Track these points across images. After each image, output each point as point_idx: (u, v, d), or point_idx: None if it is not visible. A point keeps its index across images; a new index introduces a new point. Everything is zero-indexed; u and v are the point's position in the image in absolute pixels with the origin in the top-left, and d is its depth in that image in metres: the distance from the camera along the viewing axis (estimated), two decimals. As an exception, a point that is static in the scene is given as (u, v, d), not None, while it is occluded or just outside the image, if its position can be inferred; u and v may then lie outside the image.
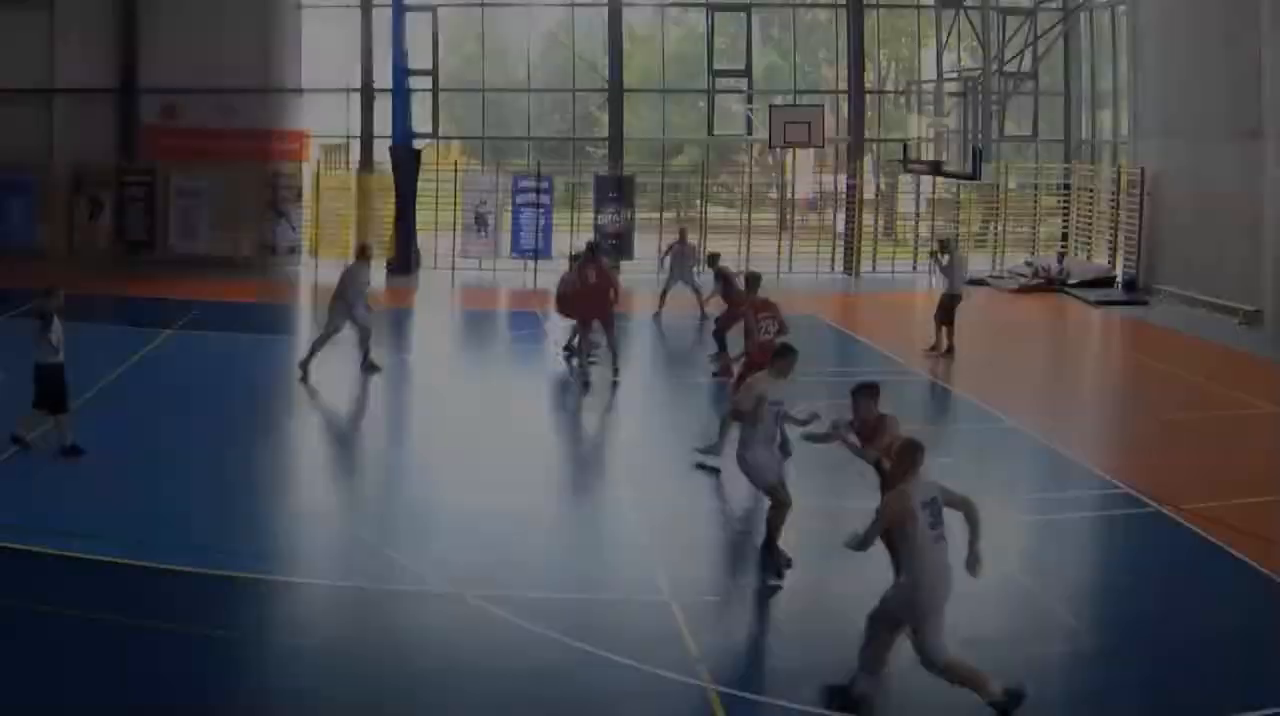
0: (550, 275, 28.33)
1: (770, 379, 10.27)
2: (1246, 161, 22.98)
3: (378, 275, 28.36)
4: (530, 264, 28.46)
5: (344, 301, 16.95)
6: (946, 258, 20.14)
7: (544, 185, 29.14)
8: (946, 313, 19.48)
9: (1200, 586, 10.28)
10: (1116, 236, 28.11)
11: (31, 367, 12.68)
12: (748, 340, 13.70)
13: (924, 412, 16.53)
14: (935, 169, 24.87)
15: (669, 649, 8.72)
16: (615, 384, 17.02)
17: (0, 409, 12.76)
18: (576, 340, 17.46)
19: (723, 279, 19.43)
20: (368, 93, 29.42)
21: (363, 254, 17.86)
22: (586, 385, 16.78)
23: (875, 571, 9.87)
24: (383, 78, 28.82)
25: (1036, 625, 9.28)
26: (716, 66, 30.80)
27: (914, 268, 30.00)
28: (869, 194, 30.52)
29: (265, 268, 28.49)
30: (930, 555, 7.50)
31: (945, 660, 7.49)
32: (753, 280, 15.13)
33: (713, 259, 20.42)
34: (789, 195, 31.49)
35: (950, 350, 19.40)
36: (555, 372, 17.75)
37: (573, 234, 29.02)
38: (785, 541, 10.13)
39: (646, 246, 29.35)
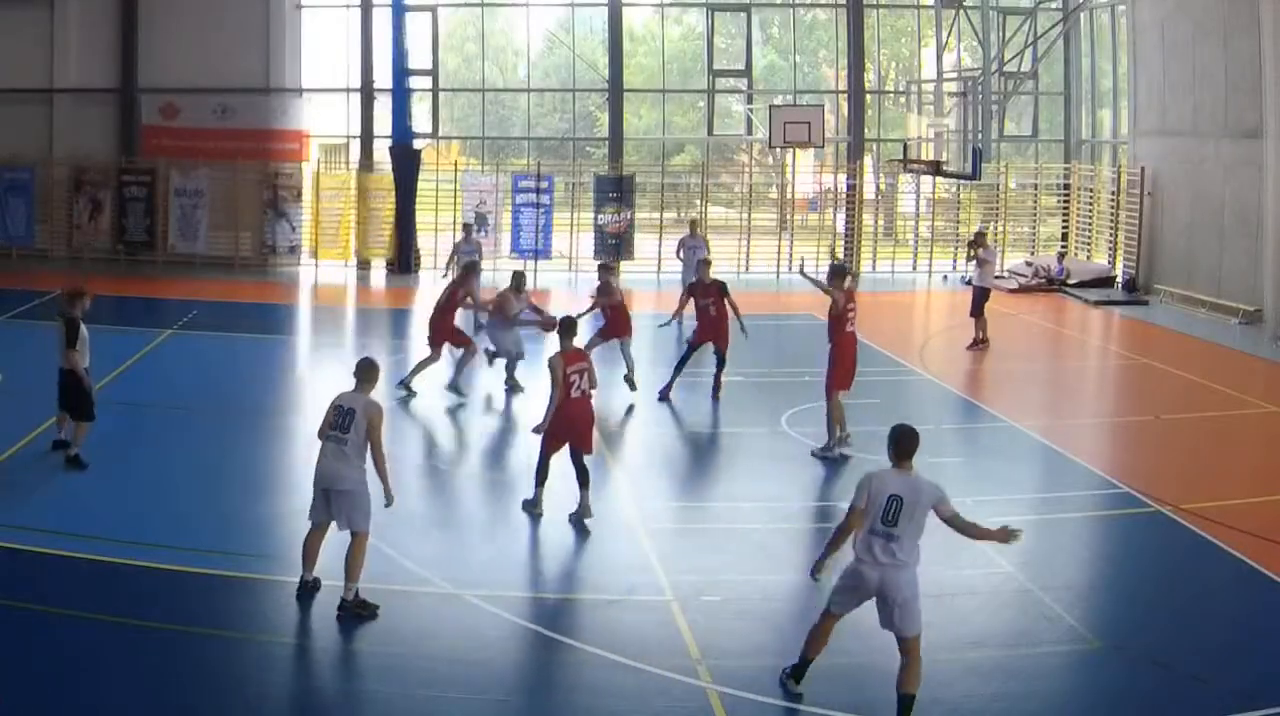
0: (550, 274, 28.50)
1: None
2: (1246, 161, 22.99)
3: (377, 275, 28.57)
4: (530, 264, 28.45)
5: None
6: (980, 251, 20.82)
7: (544, 185, 29.14)
8: (977, 306, 20.35)
9: (1200, 586, 10.28)
10: (1116, 236, 28.11)
11: (56, 372, 12.73)
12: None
13: (924, 412, 16.52)
14: (935, 169, 24.85)
15: (669, 649, 8.73)
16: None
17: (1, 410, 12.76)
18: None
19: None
20: (368, 93, 29.41)
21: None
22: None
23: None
24: (383, 78, 28.82)
25: (1036, 625, 9.29)
26: (716, 66, 30.83)
27: (914, 267, 30.01)
28: (869, 194, 30.52)
29: (265, 268, 28.49)
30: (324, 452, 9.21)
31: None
32: (839, 271, 14.24)
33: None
34: (789, 195, 31.45)
35: (982, 342, 20.23)
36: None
37: (573, 234, 29.07)
38: (784, 541, 10.11)
39: (647, 246, 29.38)
